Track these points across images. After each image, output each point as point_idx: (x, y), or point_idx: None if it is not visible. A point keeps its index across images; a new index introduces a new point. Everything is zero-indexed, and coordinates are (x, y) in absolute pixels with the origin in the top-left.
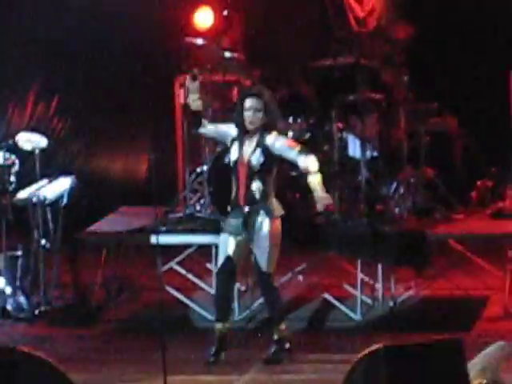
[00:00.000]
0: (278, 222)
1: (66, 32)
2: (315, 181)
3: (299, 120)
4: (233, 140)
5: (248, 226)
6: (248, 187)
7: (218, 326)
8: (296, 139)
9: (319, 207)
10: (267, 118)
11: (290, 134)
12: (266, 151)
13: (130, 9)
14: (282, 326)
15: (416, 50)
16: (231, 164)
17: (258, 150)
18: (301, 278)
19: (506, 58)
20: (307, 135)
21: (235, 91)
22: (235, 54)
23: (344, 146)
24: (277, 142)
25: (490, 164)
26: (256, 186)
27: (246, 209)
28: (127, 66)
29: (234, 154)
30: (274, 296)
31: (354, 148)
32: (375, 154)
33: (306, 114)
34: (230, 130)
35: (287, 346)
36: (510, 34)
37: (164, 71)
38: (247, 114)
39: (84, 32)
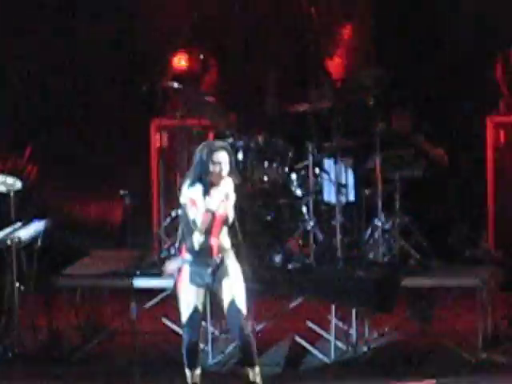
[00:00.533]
0: None
1: (39, 74)
2: None
3: (274, 165)
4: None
5: (217, 274)
6: (218, 237)
7: (188, 373)
8: (271, 184)
9: None
10: (231, 170)
11: (265, 178)
12: (234, 201)
13: (106, 50)
14: (257, 370)
15: (390, 96)
16: (195, 216)
17: (230, 201)
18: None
19: (480, 106)
20: (282, 180)
21: (211, 135)
22: (211, 98)
23: (319, 190)
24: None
25: (465, 211)
26: (227, 235)
27: (218, 258)
28: (103, 108)
29: (198, 207)
30: (250, 339)
31: (330, 193)
32: (350, 199)
33: (281, 159)
34: (195, 191)
35: None
36: (485, 83)
37: (140, 114)
38: (218, 168)
39: (60, 74)
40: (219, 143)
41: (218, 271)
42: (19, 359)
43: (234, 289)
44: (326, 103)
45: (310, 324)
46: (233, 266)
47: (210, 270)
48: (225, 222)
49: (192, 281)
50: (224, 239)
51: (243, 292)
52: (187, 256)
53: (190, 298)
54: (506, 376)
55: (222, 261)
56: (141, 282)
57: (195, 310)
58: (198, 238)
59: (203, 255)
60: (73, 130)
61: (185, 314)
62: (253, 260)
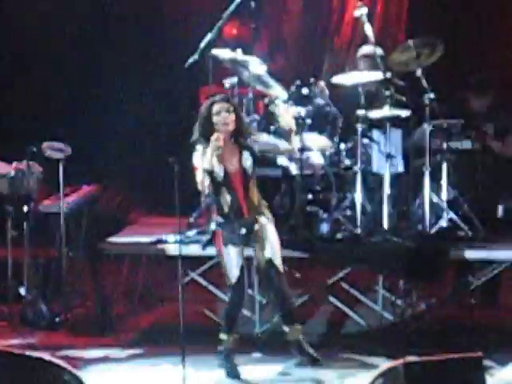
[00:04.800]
0: None
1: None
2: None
3: (324, 135)
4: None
5: (252, 233)
6: (247, 195)
7: (225, 337)
8: (321, 153)
9: None
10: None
11: (315, 148)
12: (252, 154)
13: (154, 17)
14: (297, 327)
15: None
16: (219, 177)
17: (246, 154)
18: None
19: None
20: (331, 150)
21: (261, 103)
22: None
23: (368, 161)
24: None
25: None
26: (253, 191)
27: (250, 217)
28: (153, 77)
29: (219, 167)
30: (289, 297)
31: (379, 164)
32: (399, 170)
33: (332, 128)
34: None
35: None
36: None
37: (190, 82)
38: (220, 117)
39: (105, 40)
40: (219, 95)
41: (254, 231)
42: (66, 325)
43: (273, 246)
44: (378, 74)
45: (356, 293)
46: (268, 224)
47: (244, 231)
48: (246, 178)
49: (228, 242)
50: (254, 196)
51: (279, 250)
52: (218, 218)
53: (233, 259)
54: None
55: (256, 220)
56: (188, 250)
57: (241, 270)
58: (226, 199)
59: (237, 215)
60: (122, 95)
61: (230, 276)
62: (300, 229)
